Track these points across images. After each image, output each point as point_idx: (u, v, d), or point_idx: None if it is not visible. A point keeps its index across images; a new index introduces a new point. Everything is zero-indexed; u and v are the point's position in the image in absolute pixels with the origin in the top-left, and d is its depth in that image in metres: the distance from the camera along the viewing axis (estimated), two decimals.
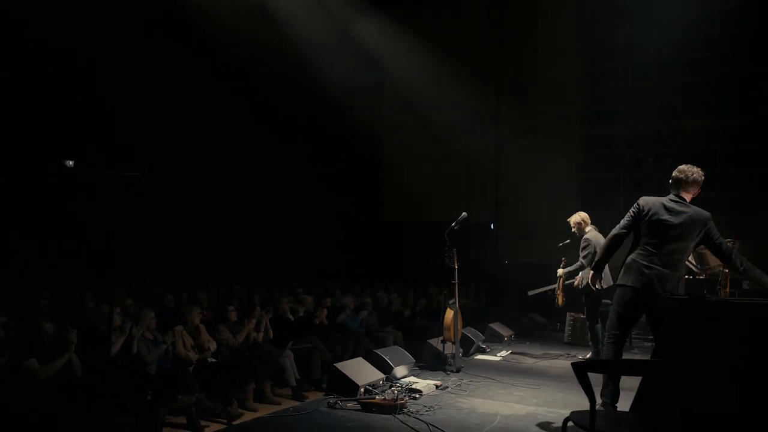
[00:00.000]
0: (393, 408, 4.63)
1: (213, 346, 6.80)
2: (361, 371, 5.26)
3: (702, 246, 8.83)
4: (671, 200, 4.73)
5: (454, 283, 6.95)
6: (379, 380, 5.39)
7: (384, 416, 4.57)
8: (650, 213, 4.64)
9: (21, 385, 4.90)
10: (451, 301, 6.89)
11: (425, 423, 4.42)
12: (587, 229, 7.25)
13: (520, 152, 13.76)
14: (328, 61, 13.12)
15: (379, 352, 5.81)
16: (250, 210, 13.04)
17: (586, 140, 13.52)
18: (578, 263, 7.01)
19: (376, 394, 5.04)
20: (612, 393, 4.60)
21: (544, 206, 13.53)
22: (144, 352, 6.06)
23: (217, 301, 7.98)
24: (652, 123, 12.31)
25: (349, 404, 4.84)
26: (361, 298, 9.52)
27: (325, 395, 5.15)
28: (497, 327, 9.36)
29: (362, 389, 5.07)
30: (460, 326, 6.95)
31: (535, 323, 10.57)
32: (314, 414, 4.73)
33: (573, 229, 7.37)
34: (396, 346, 6.46)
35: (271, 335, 7.58)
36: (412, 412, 4.66)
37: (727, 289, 6.03)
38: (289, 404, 6.29)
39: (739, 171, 11.40)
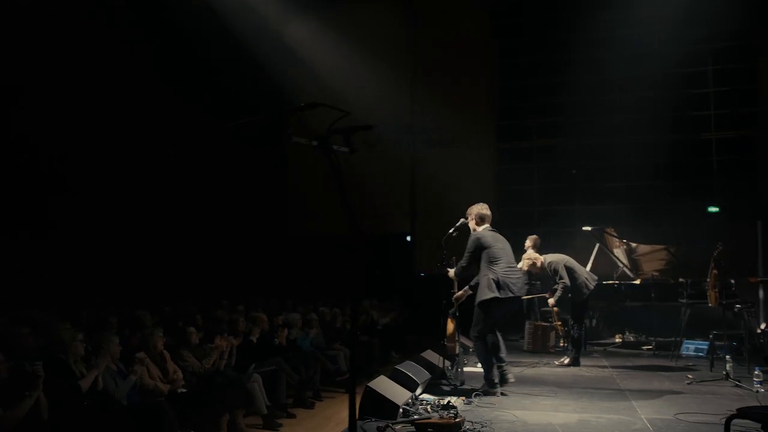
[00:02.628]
0: (454, 427, 4.17)
1: (180, 374, 5.88)
2: (392, 390, 4.73)
3: (636, 253, 9.40)
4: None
5: (453, 293, 6.63)
6: (409, 399, 4.89)
7: None
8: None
9: None
10: (451, 311, 6.54)
11: None
12: (540, 260, 7.41)
13: (436, 164, 13.81)
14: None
15: (401, 368, 5.30)
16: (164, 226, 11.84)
17: (500, 153, 13.86)
18: (560, 287, 7.08)
19: (414, 413, 4.54)
20: None
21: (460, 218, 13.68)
22: (111, 387, 5.06)
23: (164, 322, 6.94)
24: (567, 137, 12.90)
25: (398, 426, 4.30)
26: (306, 315, 8.88)
27: (359, 419, 4.54)
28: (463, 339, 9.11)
29: (401, 410, 4.54)
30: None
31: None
32: None
33: (535, 267, 7.42)
34: (409, 362, 5.96)
35: (234, 359, 6.76)
36: (468, 431, 4.24)
37: (715, 290, 6.29)
38: None
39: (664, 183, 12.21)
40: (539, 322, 8.31)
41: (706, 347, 6.94)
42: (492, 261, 5.80)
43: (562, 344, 8.11)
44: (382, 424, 4.24)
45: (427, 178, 14.23)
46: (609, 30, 12.55)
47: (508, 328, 9.13)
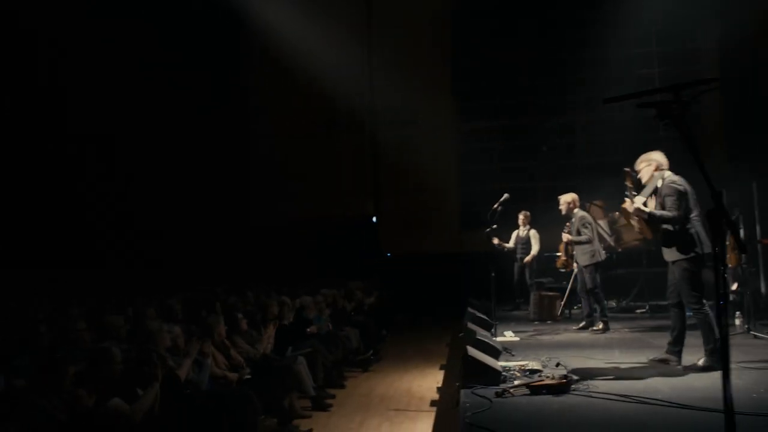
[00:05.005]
0: (564, 387, 4.38)
1: (242, 362, 5.74)
2: (485, 358, 4.87)
3: (619, 224, 9.98)
4: None
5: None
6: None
7: (559, 397, 4.30)
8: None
9: None
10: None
11: (615, 395, 4.28)
12: (576, 210, 7.70)
13: (399, 144, 13.97)
14: None
15: (482, 338, 5.43)
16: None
17: (463, 133, 14.18)
18: (585, 236, 7.35)
19: (508, 378, 4.71)
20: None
21: (427, 196, 13.99)
22: (193, 376, 4.88)
23: (195, 309, 6.70)
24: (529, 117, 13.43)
25: (513, 390, 4.45)
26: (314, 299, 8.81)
27: (462, 387, 4.64)
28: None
29: (503, 376, 4.70)
30: None
31: None
32: (501, 406, 4.23)
33: (561, 209, 7.71)
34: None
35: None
36: (577, 390, 4.47)
37: (735, 252, 6.88)
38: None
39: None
40: (544, 292, 8.71)
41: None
42: (690, 211, 5.07)
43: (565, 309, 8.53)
44: (499, 390, 4.37)
45: (390, 159, 14.36)
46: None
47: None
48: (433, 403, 6.36)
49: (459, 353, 8.33)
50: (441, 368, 8.09)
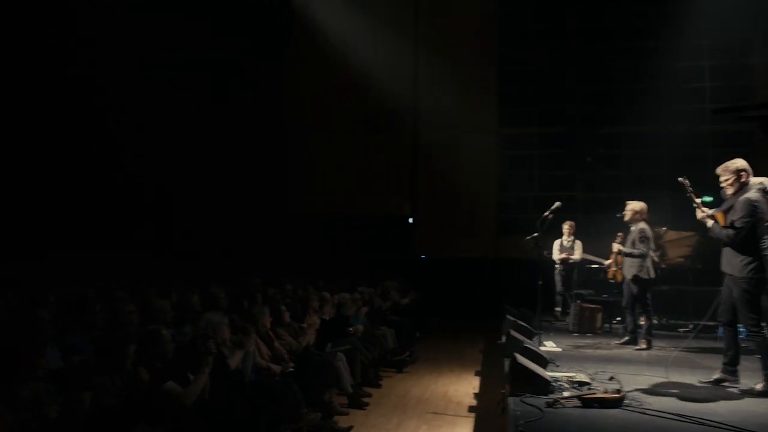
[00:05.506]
0: (618, 402, 4.28)
1: (285, 354, 5.75)
2: (534, 367, 4.78)
3: (664, 239, 9.73)
4: None
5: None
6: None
7: (610, 411, 4.20)
8: None
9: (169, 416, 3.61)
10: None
11: (670, 414, 4.16)
12: (640, 222, 7.38)
13: (439, 146, 13.91)
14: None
15: (529, 346, 5.34)
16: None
17: (503, 138, 14.04)
18: (639, 250, 7.10)
19: (555, 389, 4.62)
20: None
21: (464, 200, 13.90)
22: (240, 366, 4.89)
23: (236, 298, 6.73)
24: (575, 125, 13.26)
25: (566, 401, 4.36)
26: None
27: (510, 395, 4.56)
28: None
29: (552, 386, 4.61)
30: None
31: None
32: (553, 417, 4.16)
33: (625, 214, 7.40)
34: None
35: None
36: (630, 406, 4.36)
37: None
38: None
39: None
40: (585, 304, 8.53)
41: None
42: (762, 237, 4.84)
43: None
44: (550, 400, 4.28)
45: (429, 161, 14.29)
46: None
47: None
48: (471, 408, 6.30)
49: (496, 360, 8.28)
50: (476, 374, 8.03)
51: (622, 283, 7.79)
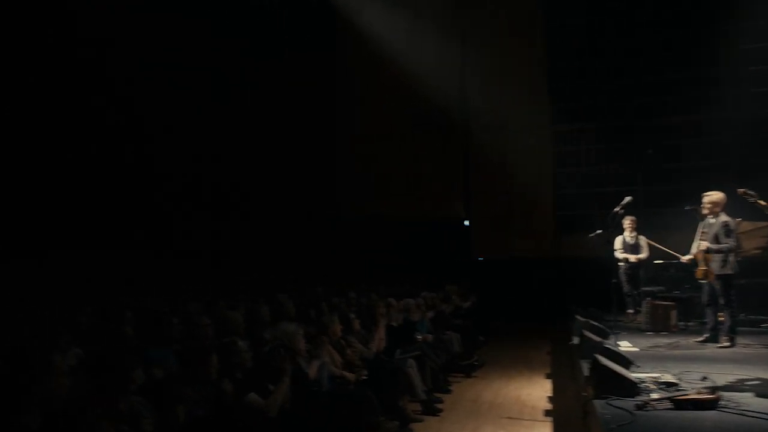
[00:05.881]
0: (713, 403, 4.07)
1: (357, 361, 5.71)
2: (618, 368, 4.60)
3: (738, 230, 9.29)
4: None
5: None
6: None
7: (706, 413, 4.00)
8: None
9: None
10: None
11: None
12: (721, 213, 7.01)
13: (492, 146, 13.72)
14: None
15: (609, 347, 5.17)
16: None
17: (556, 135, 13.74)
18: (727, 245, 6.77)
19: (650, 390, 4.43)
20: None
21: (519, 199, 13.65)
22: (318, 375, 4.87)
23: (303, 308, 6.74)
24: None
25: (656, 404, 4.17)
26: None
27: (594, 398, 4.40)
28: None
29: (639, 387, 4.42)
30: None
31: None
32: (645, 420, 3.99)
33: (704, 207, 7.06)
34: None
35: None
36: (726, 407, 4.14)
37: None
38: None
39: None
40: (657, 301, 8.21)
41: None
42: None
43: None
44: (640, 403, 4.10)
45: (481, 161, 14.11)
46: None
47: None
48: (547, 413, 6.12)
49: (567, 362, 8.05)
50: (547, 377, 7.82)
51: (697, 279, 7.44)
